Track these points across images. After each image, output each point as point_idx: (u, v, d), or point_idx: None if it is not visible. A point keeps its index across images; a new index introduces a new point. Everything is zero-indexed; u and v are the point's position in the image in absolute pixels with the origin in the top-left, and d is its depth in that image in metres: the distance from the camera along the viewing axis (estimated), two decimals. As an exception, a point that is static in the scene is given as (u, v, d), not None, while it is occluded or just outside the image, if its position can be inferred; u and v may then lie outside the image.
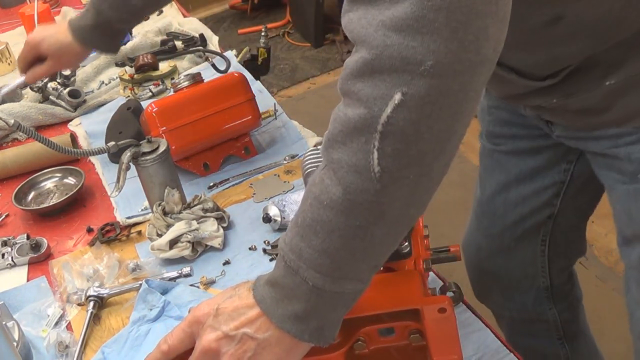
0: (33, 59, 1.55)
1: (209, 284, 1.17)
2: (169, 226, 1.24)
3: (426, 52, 0.64)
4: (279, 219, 1.24)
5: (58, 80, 1.78)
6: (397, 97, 0.65)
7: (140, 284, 1.15)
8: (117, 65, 1.94)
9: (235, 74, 1.46)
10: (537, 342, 1.54)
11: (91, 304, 1.15)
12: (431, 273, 1.02)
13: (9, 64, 2.05)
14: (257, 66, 1.85)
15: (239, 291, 0.81)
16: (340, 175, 0.70)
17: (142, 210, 1.37)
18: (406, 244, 0.91)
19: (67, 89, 1.77)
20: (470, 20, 0.64)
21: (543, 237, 1.39)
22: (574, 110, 1.06)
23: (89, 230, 1.36)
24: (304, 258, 0.74)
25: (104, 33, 1.48)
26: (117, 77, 1.85)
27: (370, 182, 0.69)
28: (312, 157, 0.90)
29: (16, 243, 1.33)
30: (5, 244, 1.34)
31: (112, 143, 1.23)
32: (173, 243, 1.22)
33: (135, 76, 1.80)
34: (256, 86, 1.67)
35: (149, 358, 0.84)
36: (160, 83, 1.79)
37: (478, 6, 0.64)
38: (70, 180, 1.48)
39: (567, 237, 1.41)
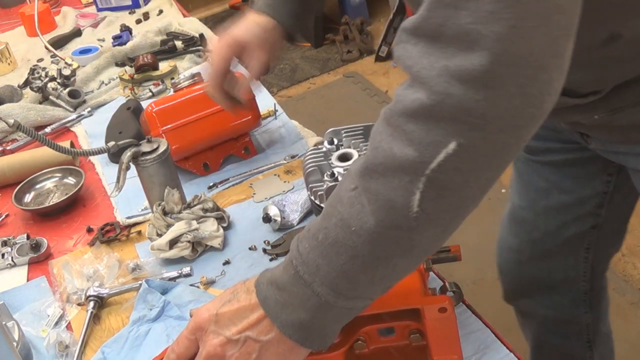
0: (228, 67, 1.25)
1: (209, 284, 1.17)
2: (169, 226, 1.24)
3: (490, 106, 0.63)
4: (279, 219, 1.24)
5: (58, 81, 1.78)
6: (452, 146, 0.64)
7: (140, 284, 1.15)
8: (117, 65, 1.94)
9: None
10: (566, 343, 1.53)
11: (91, 303, 1.15)
12: (431, 273, 1.02)
13: (9, 63, 2.05)
14: (257, 66, 1.84)
15: (237, 294, 0.80)
16: (376, 207, 0.69)
17: (142, 210, 1.37)
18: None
19: (67, 89, 1.77)
20: (537, 75, 0.63)
21: (587, 245, 1.37)
22: (616, 126, 1.01)
23: (89, 230, 1.36)
24: (321, 275, 0.73)
25: (298, 6, 1.25)
26: (117, 77, 1.85)
27: (406, 219, 0.68)
28: (313, 156, 0.90)
29: (16, 243, 1.33)
30: (5, 244, 1.34)
31: (112, 143, 1.23)
32: (173, 243, 1.22)
33: (135, 76, 1.80)
34: (256, 86, 1.66)
35: None
36: (160, 83, 1.79)
37: (547, 59, 0.63)
38: (70, 180, 1.48)
39: (611, 242, 1.41)
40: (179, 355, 0.83)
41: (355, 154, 0.88)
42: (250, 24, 1.23)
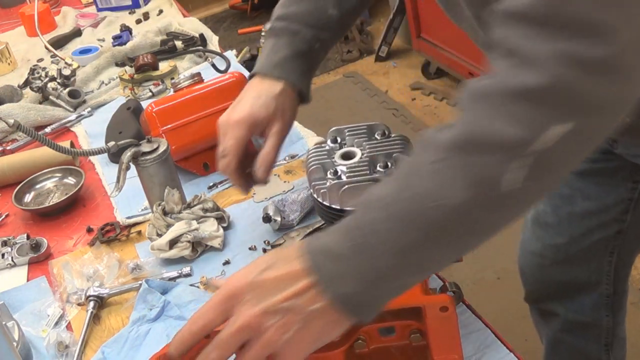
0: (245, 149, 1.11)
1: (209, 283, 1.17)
2: (169, 226, 1.24)
3: (613, 92, 0.63)
4: (279, 219, 1.24)
5: (58, 81, 1.78)
6: (563, 128, 0.64)
7: (140, 284, 1.15)
8: (117, 65, 1.94)
9: (235, 74, 1.46)
10: (584, 345, 1.53)
11: (91, 303, 1.15)
12: (431, 273, 1.02)
13: (9, 63, 2.05)
14: (257, 66, 1.84)
15: (276, 263, 0.74)
16: (469, 183, 0.67)
17: (142, 210, 1.37)
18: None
19: (67, 89, 1.77)
20: None
21: (612, 250, 1.37)
22: None
23: (89, 230, 1.36)
24: (388, 247, 0.69)
25: (304, 63, 1.14)
26: (117, 77, 1.85)
27: (498, 198, 0.67)
28: (316, 154, 0.90)
29: (16, 243, 1.33)
30: (5, 244, 1.34)
31: (112, 143, 1.23)
32: (173, 243, 1.22)
33: (135, 76, 1.80)
34: (256, 86, 1.66)
35: (176, 339, 0.78)
36: (160, 83, 1.79)
37: None
38: (70, 180, 1.48)
39: (635, 246, 1.40)
40: (203, 326, 0.76)
41: (358, 153, 0.88)
42: (260, 95, 1.10)
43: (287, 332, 0.72)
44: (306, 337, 0.74)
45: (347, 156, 0.88)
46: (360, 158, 0.87)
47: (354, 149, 0.89)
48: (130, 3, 2.30)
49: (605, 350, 1.52)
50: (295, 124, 1.54)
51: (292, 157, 1.44)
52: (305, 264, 0.72)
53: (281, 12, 1.16)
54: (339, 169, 0.87)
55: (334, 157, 0.89)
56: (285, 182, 1.37)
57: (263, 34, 1.82)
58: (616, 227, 1.33)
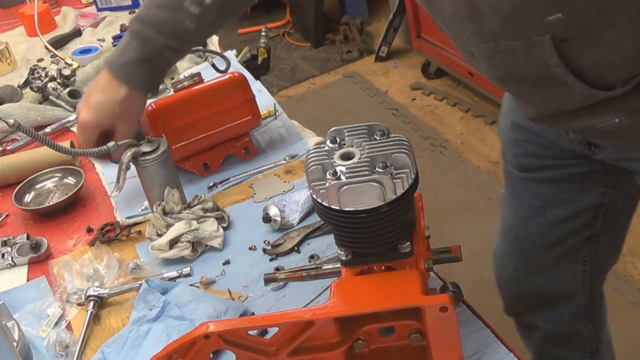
0: (98, 140, 1.24)
1: (209, 283, 1.17)
2: (169, 226, 1.24)
3: None
4: (279, 219, 1.24)
5: (58, 81, 1.78)
6: None
7: (140, 284, 1.15)
8: (117, 65, 1.94)
9: (235, 74, 1.46)
10: (569, 355, 1.53)
11: (91, 304, 1.15)
12: (431, 273, 1.02)
13: (8, 63, 2.05)
14: (257, 66, 1.84)
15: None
16: None
17: (142, 210, 1.37)
18: (407, 243, 0.91)
19: (67, 89, 1.77)
20: None
21: (584, 257, 1.37)
22: (636, 130, 0.95)
23: (89, 230, 1.36)
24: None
25: (151, 69, 1.23)
26: (117, 77, 1.85)
27: None
28: (315, 155, 0.90)
29: (16, 243, 1.33)
30: (5, 244, 1.34)
31: (112, 143, 1.23)
32: (173, 243, 1.22)
33: (135, 76, 1.79)
34: (256, 86, 1.67)
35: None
36: (160, 83, 1.79)
37: None
38: (70, 180, 1.48)
39: (607, 253, 1.40)
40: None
41: (357, 153, 0.88)
42: (105, 101, 1.21)
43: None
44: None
45: (346, 156, 0.88)
46: (360, 158, 0.87)
47: (353, 149, 0.89)
48: (130, 3, 2.29)
49: (591, 357, 1.52)
50: (295, 123, 1.55)
51: (292, 157, 1.44)
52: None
53: (141, 13, 1.23)
54: (338, 169, 0.87)
55: (333, 158, 0.89)
56: (285, 182, 1.37)
57: (263, 33, 1.82)
58: (587, 233, 1.33)
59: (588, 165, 1.21)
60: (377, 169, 0.86)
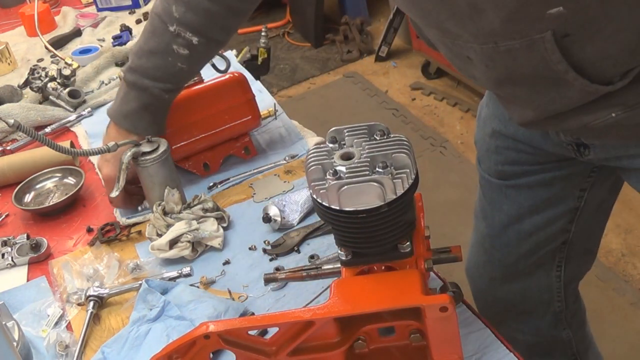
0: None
1: (209, 283, 1.17)
2: (169, 226, 1.24)
3: None
4: (279, 219, 1.24)
5: (58, 81, 1.78)
6: None
7: (140, 284, 1.15)
8: (117, 65, 1.94)
9: (235, 74, 1.46)
10: None
11: (91, 304, 1.15)
12: (430, 273, 1.02)
13: (8, 63, 2.05)
14: (257, 66, 1.85)
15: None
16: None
17: (141, 209, 1.37)
18: (407, 243, 0.91)
19: (67, 89, 1.77)
20: None
21: (559, 262, 1.37)
22: (631, 125, 0.95)
23: (89, 230, 1.36)
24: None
25: (154, 113, 1.29)
26: (117, 77, 1.85)
27: None
28: (315, 155, 0.90)
29: (16, 243, 1.33)
30: (5, 244, 1.34)
31: (112, 143, 1.23)
32: (173, 243, 1.22)
33: (135, 76, 1.79)
34: (256, 86, 1.67)
35: None
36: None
37: None
38: (70, 180, 1.48)
39: (581, 258, 1.40)
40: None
41: (357, 153, 0.88)
42: (120, 153, 1.26)
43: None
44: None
45: (346, 157, 0.88)
46: (360, 158, 0.87)
47: (354, 149, 0.89)
48: (130, 3, 2.30)
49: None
50: (295, 123, 1.55)
51: (292, 157, 1.45)
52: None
53: (133, 63, 1.28)
54: (338, 169, 0.87)
55: (333, 158, 0.89)
56: (285, 182, 1.37)
57: (263, 33, 1.82)
58: (562, 239, 1.33)
59: (568, 168, 1.21)
60: (377, 169, 0.86)
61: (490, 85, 1.02)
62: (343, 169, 0.87)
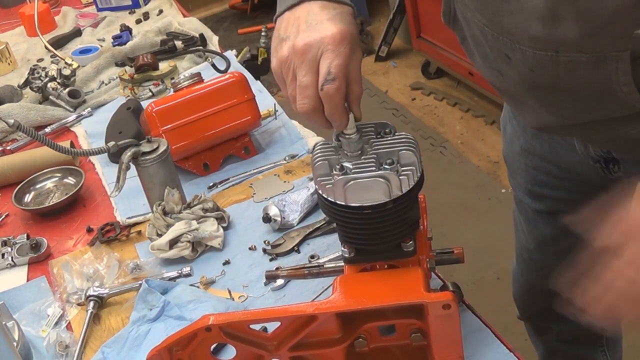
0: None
1: (209, 283, 1.17)
2: (169, 226, 1.24)
3: None
4: (279, 219, 1.24)
5: (58, 81, 1.78)
6: None
7: (140, 284, 1.15)
8: (117, 65, 1.94)
9: (235, 74, 1.46)
10: (581, 351, 1.55)
11: (91, 303, 1.15)
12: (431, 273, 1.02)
13: (9, 63, 2.05)
14: (257, 66, 1.85)
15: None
16: None
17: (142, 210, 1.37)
18: (411, 242, 0.91)
19: (67, 89, 1.77)
20: None
21: None
22: None
23: (89, 230, 1.36)
24: None
25: None
26: (117, 77, 1.85)
27: None
28: (322, 150, 0.90)
29: (16, 243, 1.33)
30: (5, 244, 1.34)
31: (112, 143, 1.23)
32: (173, 243, 1.22)
33: (135, 76, 1.80)
34: (256, 86, 1.67)
35: None
36: (160, 83, 1.79)
37: None
38: (70, 180, 1.48)
39: None
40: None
41: (365, 150, 0.89)
42: (338, 16, 0.90)
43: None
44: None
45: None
46: (367, 155, 0.88)
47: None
48: (130, 3, 2.29)
49: (602, 351, 1.54)
50: (295, 123, 1.55)
51: (292, 157, 1.44)
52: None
53: None
54: (345, 165, 0.87)
55: (339, 154, 0.89)
56: (285, 182, 1.37)
57: (263, 33, 1.82)
58: None
59: (593, 195, 1.20)
60: (383, 165, 0.86)
61: (519, 87, 0.93)
62: (350, 165, 0.87)
